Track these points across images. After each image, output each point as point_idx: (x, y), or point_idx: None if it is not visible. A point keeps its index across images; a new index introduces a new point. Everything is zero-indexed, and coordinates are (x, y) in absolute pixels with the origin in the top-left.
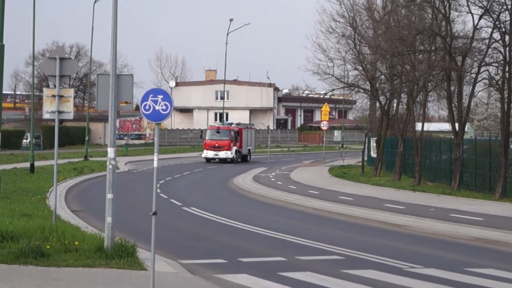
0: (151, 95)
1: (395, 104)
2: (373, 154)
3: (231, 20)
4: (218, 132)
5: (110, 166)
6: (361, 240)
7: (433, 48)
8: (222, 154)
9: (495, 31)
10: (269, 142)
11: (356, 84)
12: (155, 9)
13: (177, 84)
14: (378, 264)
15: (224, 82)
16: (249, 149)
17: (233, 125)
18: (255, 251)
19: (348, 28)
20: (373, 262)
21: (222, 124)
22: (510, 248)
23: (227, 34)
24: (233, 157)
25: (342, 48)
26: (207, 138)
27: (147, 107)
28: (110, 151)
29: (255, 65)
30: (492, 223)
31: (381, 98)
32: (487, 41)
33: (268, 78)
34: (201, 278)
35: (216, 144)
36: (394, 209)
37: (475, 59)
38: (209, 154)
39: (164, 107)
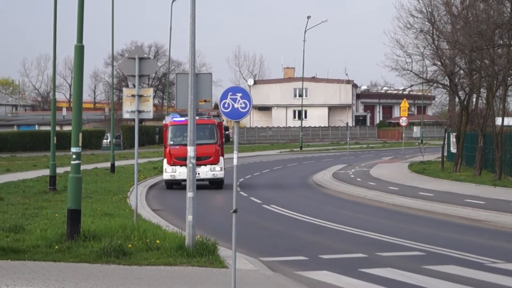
0: (230, 93)
1: (474, 99)
2: (453, 149)
3: (308, 17)
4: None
5: (190, 165)
6: (441, 235)
7: None
8: (205, 171)
9: None
10: (348, 139)
11: (435, 79)
12: (232, 7)
13: (255, 82)
14: (460, 259)
15: (303, 79)
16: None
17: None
18: (335, 248)
19: (426, 23)
20: (454, 257)
21: (201, 117)
22: None
23: (305, 32)
24: (223, 175)
25: (421, 44)
26: (170, 142)
27: (226, 105)
28: (190, 150)
29: (333, 62)
30: None
31: (460, 93)
32: None
33: (346, 74)
34: (282, 275)
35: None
36: (475, 204)
37: None
38: (177, 172)
39: (243, 105)
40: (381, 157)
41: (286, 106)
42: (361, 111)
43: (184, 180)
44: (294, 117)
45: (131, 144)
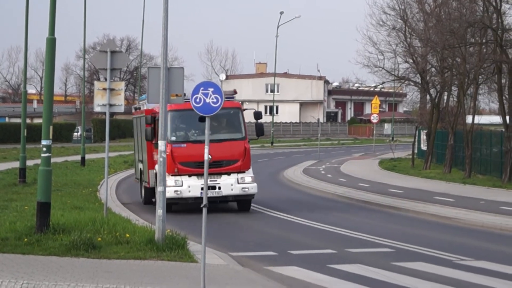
0: (201, 88)
1: (445, 97)
2: (423, 147)
3: (281, 13)
4: (202, 118)
5: (161, 159)
6: (411, 232)
7: (484, 40)
8: (229, 183)
9: None
10: (319, 135)
11: (407, 77)
12: (205, 1)
13: (227, 77)
14: (428, 256)
15: (275, 75)
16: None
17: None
18: (305, 244)
19: (399, 20)
20: (423, 254)
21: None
22: None
23: (278, 27)
24: (255, 189)
25: (393, 41)
26: (172, 138)
27: (197, 100)
28: (161, 144)
29: (305, 58)
30: None
31: (432, 91)
32: None
33: (319, 71)
34: (251, 270)
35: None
36: (444, 201)
37: None
38: (186, 186)
39: (214, 100)
40: (352, 153)
41: (258, 101)
42: (332, 108)
43: (198, 198)
44: (266, 112)
45: (101, 138)
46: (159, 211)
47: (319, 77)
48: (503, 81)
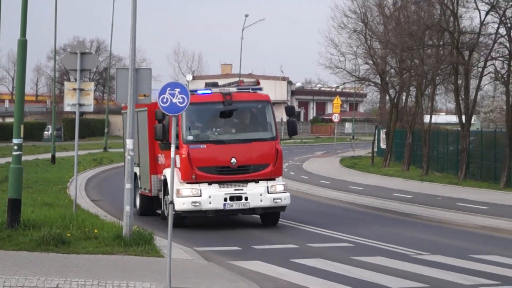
0: (168, 89)
1: (404, 97)
2: (383, 145)
3: (246, 15)
4: (225, 114)
5: (129, 157)
6: (370, 228)
7: (441, 43)
8: (258, 193)
9: (501, 26)
10: (282, 134)
11: (367, 77)
12: (173, 4)
13: (193, 78)
14: (387, 251)
15: (240, 75)
16: None
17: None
18: (268, 239)
19: (360, 23)
20: (382, 249)
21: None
22: None
23: (243, 30)
24: (289, 200)
25: (354, 43)
26: (188, 137)
27: (164, 100)
28: (129, 142)
29: (269, 59)
30: (497, 212)
31: (391, 91)
32: (493, 36)
33: (282, 72)
34: (216, 264)
35: (233, 160)
36: (403, 198)
37: (482, 53)
38: (205, 196)
39: (181, 100)
40: (314, 152)
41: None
42: (295, 107)
43: (219, 211)
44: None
45: (71, 136)
46: (127, 207)
47: (283, 78)
48: (459, 82)
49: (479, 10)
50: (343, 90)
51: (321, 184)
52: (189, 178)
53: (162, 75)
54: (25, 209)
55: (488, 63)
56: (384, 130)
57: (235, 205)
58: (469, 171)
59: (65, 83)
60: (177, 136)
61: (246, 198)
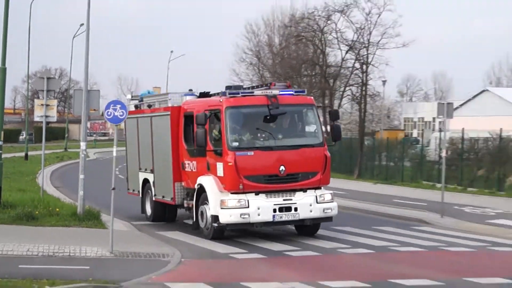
0: (112, 105)
1: None
2: None
3: (171, 51)
4: (271, 118)
5: (82, 155)
6: None
7: (313, 73)
8: (307, 203)
9: (356, 62)
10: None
11: None
12: (115, 40)
13: (132, 98)
14: None
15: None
16: None
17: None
18: (186, 215)
19: (254, 58)
20: None
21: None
22: (365, 214)
23: (169, 62)
24: (336, 210)
25: (250, 73)
26: (233, 144)
27: (109, 113)
28: (82, 144)
29: (190, 85)
30: (352, 196)
31: None
32: (350, 68)
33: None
34: (147, 234)
35: (282, 168)
36: None
37: (342, 81)
38: (254, 208)
39: (121, 113)
40: None
41: None
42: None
43: (268, 223)
44: None
45: (40, 140)
46: (81, 192)
47: None
48: (326, 101)
49: (341, 50)
50: None
51: None
52: (236, 188)
53: (108, 94)
54: (4, 194)
55: (347, 88)
56: None
57: (285, 216)
58: (332, 167)
59: (35, 100)
60: (217, 141)
61: (295, 209)
